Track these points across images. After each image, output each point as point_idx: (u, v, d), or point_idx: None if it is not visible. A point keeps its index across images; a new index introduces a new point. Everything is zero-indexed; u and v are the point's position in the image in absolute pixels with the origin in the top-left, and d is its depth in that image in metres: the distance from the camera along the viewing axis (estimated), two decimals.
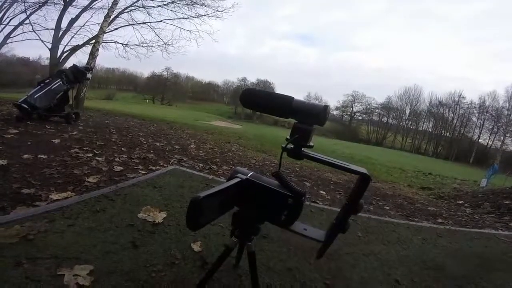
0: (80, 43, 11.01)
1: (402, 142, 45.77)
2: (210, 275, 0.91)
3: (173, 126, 8.78)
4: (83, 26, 11.03)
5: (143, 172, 2.58)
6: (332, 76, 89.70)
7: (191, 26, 11.87)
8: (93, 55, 9.20)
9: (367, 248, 1.61)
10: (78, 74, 5.11)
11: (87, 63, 9.28)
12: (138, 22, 11.41)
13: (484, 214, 3.68)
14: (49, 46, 10.68)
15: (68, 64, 10.95)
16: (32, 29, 10.84)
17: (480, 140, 40.25)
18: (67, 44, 11.06)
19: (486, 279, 1.47)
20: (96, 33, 9.83)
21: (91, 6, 10.94)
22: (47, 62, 13.96)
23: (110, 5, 9.46)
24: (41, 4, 10.61)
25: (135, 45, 11.76)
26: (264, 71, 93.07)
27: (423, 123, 47.48)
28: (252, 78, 54.93)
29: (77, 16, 10.82)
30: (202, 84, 59.03)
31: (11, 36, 11.18)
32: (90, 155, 2.83)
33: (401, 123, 49.23)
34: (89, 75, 5.62)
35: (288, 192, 0.70)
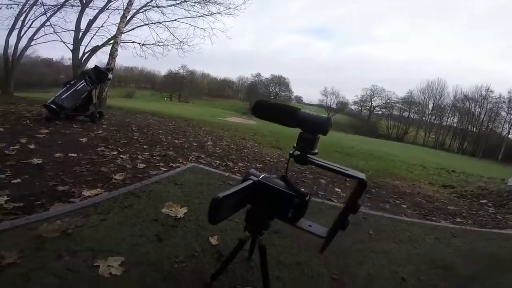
0: (100, 43, 11.50)
1: (424, 138, 43.88)
2: (225, 266, 1.00)
3: (190, 123, 9.01)
4: (101, 27, 11.47)
5: (164, 169, 2.73)
6: (350, 70, 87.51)
7: (205, 24, 12.20)
8: (112, 55, 9.56)
9: (377, 246, 1.64)
10: (100, 75, 5.38)
11: (108, 64, 9.68)
12: (153, 22, 11.73)
13: (508, 214, 3.53)
14: (71, 47, 11.21)
15: (90, 64, 11.53)
16: (54, 31, 11.38)
17: (510, 136, 37.82)
18: (87, 45, 11.53)
19: (495, 279, 1.47)
20: (114, 33, 10.22)
21: (107, 7, 11.34)
22: (69, 62, 14.70)
23: (125, 6, 9.77)
24: (59, 6, 11.13)
25: (152, 44, 12.13)
26: (278, 66, 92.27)
27: (448, 118, 45.28)
28: (266, 74, 54.74)
29: (95, 17, 11.25)
30: (217, 81, 59.62)
31: (34, 38, 11.81)
32: (115, 153, 3.02)
33: (423, 118, 47.21)
34: (110, 75, 5.91)
35: (294, 193, 0.78)
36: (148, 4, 11.44)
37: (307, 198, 0.77)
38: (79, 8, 11.14)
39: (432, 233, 2.03)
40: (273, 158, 4.84)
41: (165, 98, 47.38)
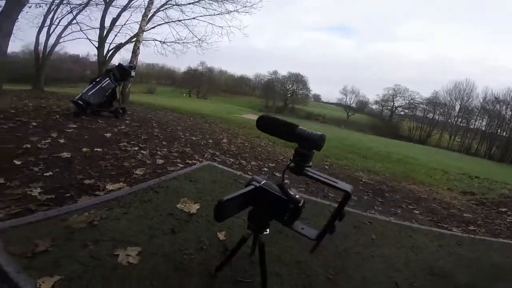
0: (123, 41, 12.00)
1: (449, 141, 41.84)
2: (229, 260, 1.11)
3: (208, 120, 9.23)
4: (124, 24, 11.98)
5: (181, 165, 2.88)
6: (371, 69, 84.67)
7: (222, 22, 12.38)
8: (135, 53, 9.97)
9: (378, 250, 1.67)
10: (124, 73, 5.67)
11: (130, 61, 10.12)
12: (173, 20, 12.10)
13: None
14: (96, 44, 11.80)
15: (114, 61, 12.08)
16: (80, 29, 12.02)
17: None
18: (111, 42, 12.05)
19: None
20: (136, 31, 10.64)
21: (129, 6, 11.80)
22: (94, 58, 15.43)
23: (146, 5, 10.12)
24: (84, 4, 11.69)
25: (172, 42, 12.56)
26: (296, 63, 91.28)
27: (475, 121, 42.84)
28: (283, 71, 54.09)
29: (118, 15, 11.75)
30: (235, 77, 59.99)
31: (62, 36, 12.48)
32: (136, 148, 3.22)
33: (449, 120, 44.97)
34: (133, 73, 6.19)
35: (289, 199, 0.87)
36: (168, 3, 11.79)
37: (300, 204, 0.86)
38: (103, 6, 11.67)
39: (437, 241, 2.02)
40: (286, 158, 4.89)
41: (184, 95, 48.41)
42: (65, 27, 12.24)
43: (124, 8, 11.83)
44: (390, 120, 49.62)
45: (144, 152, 3.09)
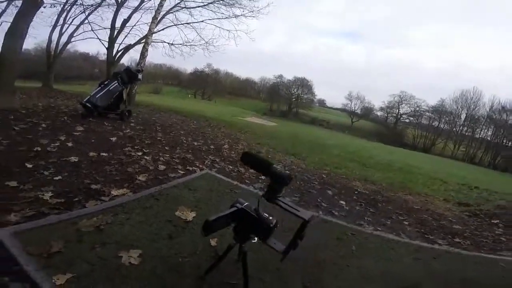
0: (132, 42, 12.32)
1: (453, 150, 41.54)
2: (216, 264, 1.29)
3: (211, 124, 9.42)
4: (134, 25, 12.35)
5: (182, 172, 3.04)
6: (378, 75, 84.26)
7: (230, 26, 12.56)
8: (143, 55, 10.19)
9: (356, 262, 1.79)
10: (132, 76, 5.86)
11: (138, 63, 10.36)
12: (182, 23, 12.41)
13: None
14: (106, 44, 12.10)
15: (123, 61, 12.35)
16: (91, 29, 12.44)
17: None
18: (121, 43, 12.45)
19: None
20: (146, 33, 10.90)
21: (140, 7, 12.13)
22: (104, 57, 15.83)
23: (156, 7, 10.38)
24: (96, 5, 12.05)
25: (180, 44, 12.88)
26: (303, 68, 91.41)
27: (481, 130, 42.51)
28: (289, 76, 54.23)
29: (129, 17, 12.11)
30: (240, 80, 60.34)
31: (74, 35, 12.89)
32: (140, 153, 3.38)
33: (454, 129, 44.67)
34: (140, 76, 6.39)
35: (263, 221, 1.07)
36: (178, 5, 12.05)
37: (272, 225, 1.06)
38: (115, 7, 11.99)
39: (414, 254, 2.13)
40: (285, 166, 5.03)
41: (189, 96, 48.85)
42: (77, 27, 12.66)
43: (135, 10, 12.16)
44: (394, 128, 49.40)
45: (147, 158, 3.26)
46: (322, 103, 63.32)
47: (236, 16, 11.99)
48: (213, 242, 1.64)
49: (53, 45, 12.79)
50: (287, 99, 52.61)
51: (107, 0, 11.99)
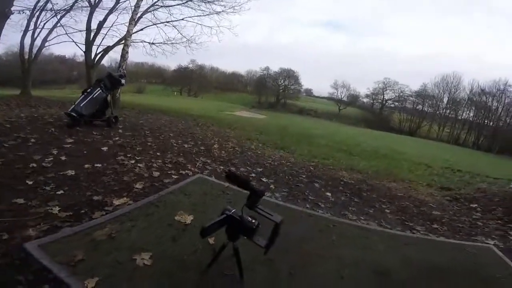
0: (111, 44, 11.88)
1: (438, 132, 43.00)
2: (215, 259, 1.54)
3: (199, 123, 9.48)
4: (111, 27, 11.91)
5: (175, 177, 3.18)
6: (362, 64, 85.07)
7: (211, 23, 12.43)
8: (123, 57, 9.92)
9: (335, 251, 2.06)
10: (114, 81, 5.82)
11: (119, 66, 10.10)
12: (161, 22, 12.14)
13: (491, 220, 3.67)
14: (83, 47, 11.61)
15: (103, 63, 11.95)
16: (65, 32, 11.86)
17: None
18: (99, 45, 11.95)
19: (423, 286, 1.88)
20: (124, 34, 10.58)
21: (116, 8, 11.74)
22: (81, 59, 15.16)
23: (133, 8, 10.09)
24: (68, 8, 11.51)
25: (160, 43, 12.59)
26: (288, 59, 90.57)
27: (463, 112, 44.16)
28: (275, 67, 54.29)
29: (105, 19, 11.67)
30: (226, 74, 59.91)
31: (48, 39, 12.16)
32: (133, 161, 3.48)
33: (437, 112, 46.15)
34: (123, 81, 6.33)
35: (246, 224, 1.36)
36: (155, 4, 11.78)
37: (254, 227, 1.37)
38: (89, 9, 11.53)
39: (387, 241, 2.38)
40: (274, 161, 5.21)
41: (175, 93, 48.23)
42: (50, 31, 12.02)
43: (111, 11, 11.77)
44: (380, 113, 50.52)
45: (141, 165, 3.37)
46: (309, 92, 63.93)
47: (217, 13, 11.90)
48: (211, 241, 1.86)
49: (26, 50, 12.16)
50: (274, 90, 52.76)
51: (79, 3, 11.53)
